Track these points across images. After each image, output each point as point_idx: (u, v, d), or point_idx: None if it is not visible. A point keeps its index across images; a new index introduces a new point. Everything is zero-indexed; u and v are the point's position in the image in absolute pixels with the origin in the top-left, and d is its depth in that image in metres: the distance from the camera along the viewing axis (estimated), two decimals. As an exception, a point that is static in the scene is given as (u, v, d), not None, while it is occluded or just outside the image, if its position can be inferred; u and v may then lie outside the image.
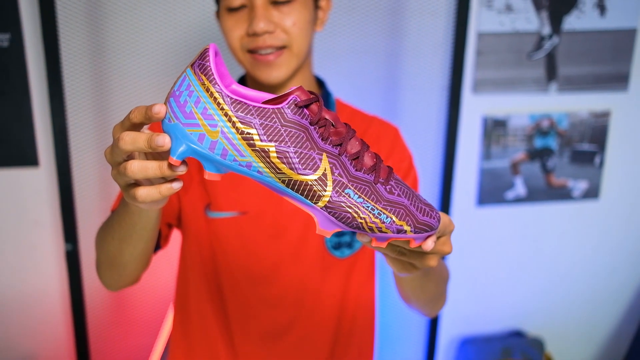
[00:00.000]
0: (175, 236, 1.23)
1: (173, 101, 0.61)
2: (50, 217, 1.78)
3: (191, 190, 1.11)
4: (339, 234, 1.11)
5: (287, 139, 0.59)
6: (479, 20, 1.81)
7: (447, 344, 2.15)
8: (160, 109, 0.60)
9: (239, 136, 0.59)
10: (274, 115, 0.59)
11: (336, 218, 0.61)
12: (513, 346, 2.09)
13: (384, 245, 0.62)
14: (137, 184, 0.66)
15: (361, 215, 0.61)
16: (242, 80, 1.17)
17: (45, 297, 1.87)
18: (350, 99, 1.77)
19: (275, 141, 0.59)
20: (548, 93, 1.93)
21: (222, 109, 0.59)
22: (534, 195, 2.03)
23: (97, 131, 1.72)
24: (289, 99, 0.59)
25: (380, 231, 0.60)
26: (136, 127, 0.64)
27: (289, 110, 0.59)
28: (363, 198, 0.61)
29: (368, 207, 0.61)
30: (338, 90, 1.77)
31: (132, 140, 0.61)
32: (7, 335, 1.89)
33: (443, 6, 1.74)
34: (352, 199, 0.61)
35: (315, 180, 0.60)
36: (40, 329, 1.90)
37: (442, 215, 0.65)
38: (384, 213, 0.60)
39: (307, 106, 0.60)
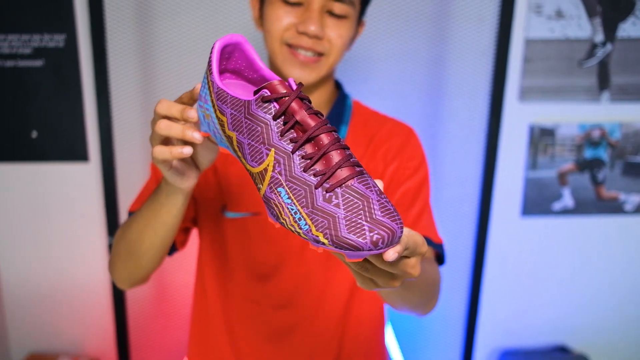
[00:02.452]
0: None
1: (202, 86, 0.70)
2: (98, 211, 1.85)
3: (207, 192, 1.14)
4: None
5: (245, 131, 0.62)
6: (528, 27, 1.76)
7: (486, 355, 2.10)
8: (196, 90, 0.72)
9: (218, 121, 0.66)
10: (242, 107, 0.63)
11: (270, 212, 0.62)
12: (556, 361, 2.03)
13: (318, 250, 0.59)
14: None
15: (283, 216, 0.60)
16: None
17: (91, 288, 1.94)
18: (391, 104, 1.77)
19: (237, 131, 0.63)
20: (600, 102, 1.87)
21: (212, 96, 0.67)
22: (582, 207, 1.96)
23: (142, 129, 1.78)
24: (259, 93, 0.61)
25: (300, 236, 0.59)
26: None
27: (254, 104, 0.61)
28: (292, 200, 0.59)
29: (292, 209, 0.59)
30: (379, 95, 1.77)
31: (167, 107, 0.73)
32: (55, 322, 1.98)
33: (489, 12, 1.71)
34: (281, 198, 0.60)
35: (258, 173, 0.62)
36: (86, 318, 1.97)
37: (414, 234, 0.59)
38: (304, 219, 0.58)
39: (277, 100, 0.61)
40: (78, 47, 1.72)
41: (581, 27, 1.79)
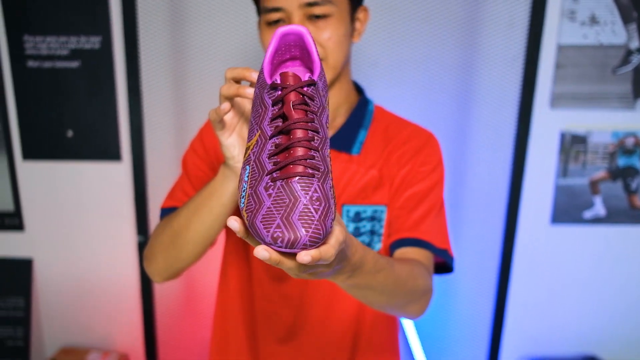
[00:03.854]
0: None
1: None
2: (130, 209, 1.89)
3: None
4: (356, 234, 1.11)
5: (254, 110, 0.69)
6: (560, 33, 1.74)
7: (512, 363, 2.08)
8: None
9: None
10: (261, 89, 0.68)
11: None
12: (585, 372, 2.00)
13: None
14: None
15: (239, 191, 0.65)
16: None
17: (121, 286, 1.98)
18: (420, 109, 1.77)
19: (251, 109, 0.70)
20: (635, 110, 1.83)
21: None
22: (614, 216, 1.93)
23: (173, 130, 1.81)
24: (273, 79, 0.66)
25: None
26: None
27: (266, 89, 0.66)
28: (247, 178, 0.64)
29: (244, 187, 0.64)
30: (408, 99, 1.77)
31: (240, 71, 0.80)
32: (87, 318, 2.02)
33: (520, 17, 1.70)
34: (244, 175, 0.65)
35: (246, 148, 0.68)
36: (117, 315, 2.01)
37: (329, 244, 0.61)
38: (244, 198, 0.63)
39: (282, 88, 0.65)
40: (113, 49, 1.76)
41: (616, 33, 1.76)
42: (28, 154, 1.86)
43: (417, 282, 0.96)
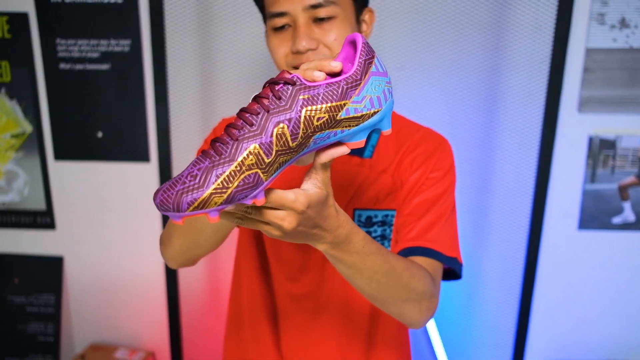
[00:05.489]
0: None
1: None
2: (156, 209, 1.91)
3: None
4: (367, 229, 1.11)
5: None
6: (589, 36, 1.72)
7: (538, 370, 2.06)
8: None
9: None
10: None
11: None
12: (612, 380, 1.97)
13: None
14: None
15: None
16: None
17: (148, 285, 2.01)
18: (446, 112, 1.77)
19: None
20: (666, 114, 1.80)
21: None
22: (644, 222, 1.90)
23: (199, 132, 1.84)
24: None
25: None
26: None
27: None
28: None
29: None
30: (434, 103, 1.77)
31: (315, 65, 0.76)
32: (115, 316, 2.06)
33: (547, 20, 1.68)
34: None
35: None
36: (144, 314, 2.05)
37: (280, 195, 0.67)
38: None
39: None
40: (142, 52, 1.80)
41: (646, 36, 1.73)
42: (59, 155, 1.91)
43: (414, 280, 0.94)
